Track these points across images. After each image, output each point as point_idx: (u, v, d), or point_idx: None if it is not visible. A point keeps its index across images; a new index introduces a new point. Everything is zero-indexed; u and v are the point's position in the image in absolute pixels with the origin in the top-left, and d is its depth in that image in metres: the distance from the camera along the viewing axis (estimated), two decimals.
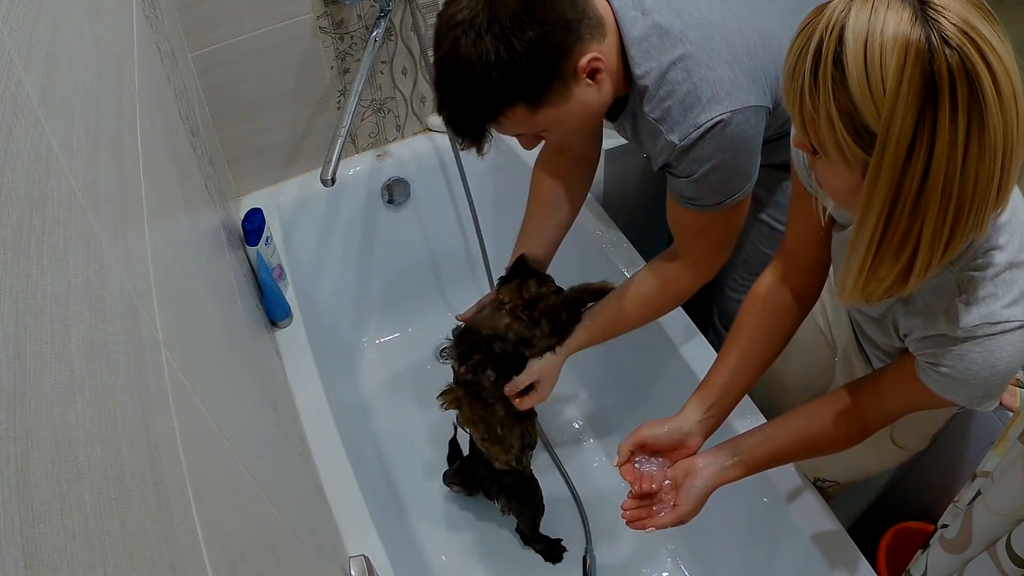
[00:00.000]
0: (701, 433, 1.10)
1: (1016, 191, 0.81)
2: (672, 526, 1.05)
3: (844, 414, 1.00)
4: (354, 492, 1.30)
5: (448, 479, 1.67)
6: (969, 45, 0.66)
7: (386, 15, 1.63)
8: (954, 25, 0.66)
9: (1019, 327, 0.80)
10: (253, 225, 1.51)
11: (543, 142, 1.17)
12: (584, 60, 1.00)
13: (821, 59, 0.70)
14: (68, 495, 0.33)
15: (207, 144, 1.41)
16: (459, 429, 1.64)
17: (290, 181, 1.83)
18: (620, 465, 1.09)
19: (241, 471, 0.68)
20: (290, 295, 1.60)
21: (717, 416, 1.11)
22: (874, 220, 0.73)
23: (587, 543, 1.62)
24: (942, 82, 0.66)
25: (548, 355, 1.29)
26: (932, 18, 0.66)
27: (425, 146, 1.91)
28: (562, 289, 1.32)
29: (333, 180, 1.36)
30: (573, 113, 1.04)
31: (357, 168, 1.88)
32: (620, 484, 1.10)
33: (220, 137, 1.68)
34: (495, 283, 1.39)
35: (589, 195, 1.79)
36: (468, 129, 1.06)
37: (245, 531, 0.62)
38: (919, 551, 1.12)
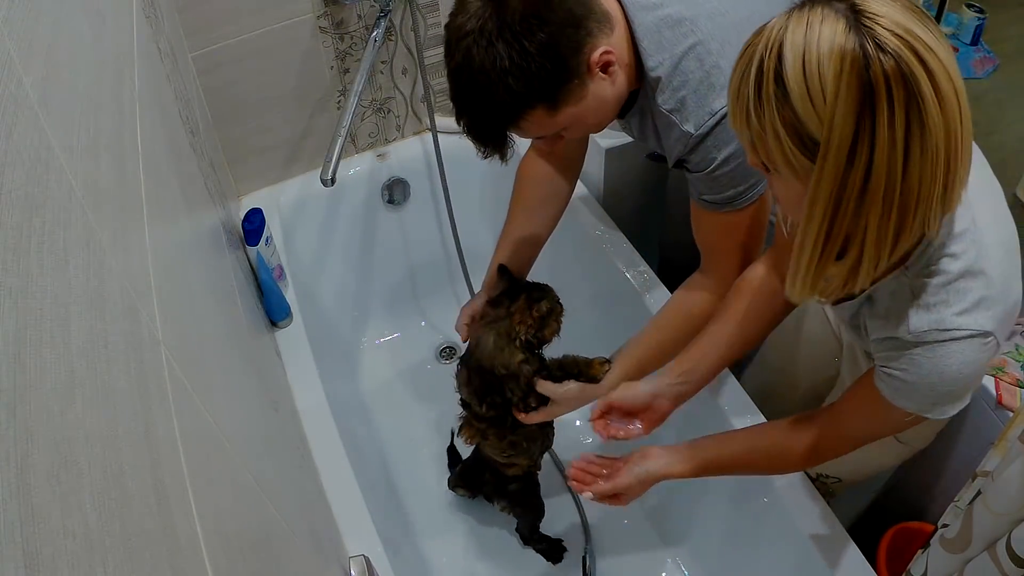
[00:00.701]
0: (670, 397, 1.13)
1: (976, 201, 0.81)
2: (608, 495, 1.09)
3: (798, 432, 1.01)
4: (354, 492, 1.30)
5: (452, 484, 1.66)
6: (905, 49, 0.67)
7: (386, 15, 1.63)
8: (888, 31, 0.67)
9: (968, 336, 0.80)
10: (253, 225, 1.51)
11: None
12: (596, 54, 1.00)
13: (763, 77, 0.72)
14: (68, 495, 0.33)
15: (207, 144, 1.41)
16: (456, 435, 1.63)
17: (290, 181, 1.83)
18: (593, 420, 1.14)
19: (241, 471, 0.68)
20: (290, 295, 1.60)
21: (689, 384, 1.13)
22: (818, 222, 0.75)
23: (587, 543, 1.62)
24: (879, 87, 0.67)
25: (589, 387, 1.24)
26: (866, 26, 0.68)
27: (425, 146, 1.91)
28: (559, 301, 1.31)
29: (333, 180, 1.36)
30: (591, 109, 1.05)
31: (357, 168, 1.88)
32: None
33: (220, 137, 1.68)
34: (485, 298, 1.35)
35: (589, 195, 1.80)
36: (490, 137, 1.06)
37: (245, 531, 0.62)
38: (919, 551, 1.12)
